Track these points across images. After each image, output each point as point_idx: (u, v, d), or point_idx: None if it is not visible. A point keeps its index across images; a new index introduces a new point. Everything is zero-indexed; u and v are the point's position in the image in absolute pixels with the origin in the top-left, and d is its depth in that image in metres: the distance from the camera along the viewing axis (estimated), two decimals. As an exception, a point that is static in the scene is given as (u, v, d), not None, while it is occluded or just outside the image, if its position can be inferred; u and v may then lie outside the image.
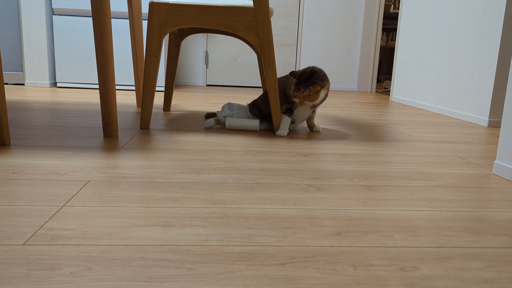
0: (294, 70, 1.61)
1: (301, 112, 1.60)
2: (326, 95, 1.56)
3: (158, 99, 2.61)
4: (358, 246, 0.65)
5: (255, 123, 1.63)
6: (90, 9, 2.74)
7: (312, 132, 1.67)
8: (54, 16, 2.98)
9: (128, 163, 1.07)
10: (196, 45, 4.01)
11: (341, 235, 0.69)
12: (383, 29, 5.57)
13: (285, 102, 1.59)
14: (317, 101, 1.54)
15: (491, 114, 2.06)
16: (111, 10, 2.81)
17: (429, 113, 2.52)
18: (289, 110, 1.59)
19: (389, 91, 4.41)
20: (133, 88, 3.13)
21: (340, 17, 4.07)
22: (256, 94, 3.34)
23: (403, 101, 3.05)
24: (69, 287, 0.50)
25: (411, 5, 2.96)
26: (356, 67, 4.17)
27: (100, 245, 0.62)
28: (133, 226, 0.69)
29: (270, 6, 1.54)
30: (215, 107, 2.33)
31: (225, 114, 1.68)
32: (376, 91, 4.29)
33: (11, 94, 2.54)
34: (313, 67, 1.56)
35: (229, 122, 1.64)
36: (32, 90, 2.82)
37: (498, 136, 1.71)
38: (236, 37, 2.18)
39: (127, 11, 2.77)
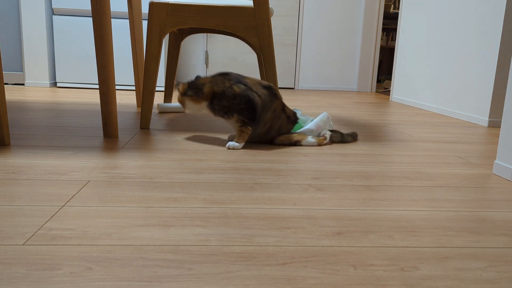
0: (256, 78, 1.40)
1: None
2: (215, 106, 1.32)
3: (158, 99, 2.61)
4: (358, 246, 0.65)
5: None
6: (90, 9, 2.74)
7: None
8: (54, 16, 2.98)
9: (128, 163, 1.07)
10: (196, 45, 4.01)
11: (341, 235, 0.69)
12: (383, 29, 5.57)
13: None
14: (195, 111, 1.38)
15: (491, 114, 2.06)
16: (111, 10, 2.81)
17: (429, 113, 2.52)
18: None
19: (389, 91, 4.41)
20: (133, 88, 3.13)
21: (340, 17, 4.07)
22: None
23: (403, 101, 3.05)
24: (69, 287, 0.50)
25: (411, 5, 2.97)
26: (356, 67, 4.17)
27: (100, 245, 0.62)
28: (133, 226, 0.69)
29: (270, 6, 1.54)
30: (215, 107, 2.33)
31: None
32: (376, 91, 4.29)
33: (11, 94, 2.54)
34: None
35: (161, 107, 1.98)
36: (32, 90, 2.82)
37: (498, 136, 1.71)
38: (236, 37, 2.18)
39: (127, 11, 2.77)
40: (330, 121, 1.50)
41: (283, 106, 1.36)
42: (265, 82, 1.35)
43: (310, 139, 1.39)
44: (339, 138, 1.46)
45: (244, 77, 1.36)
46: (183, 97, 1.39)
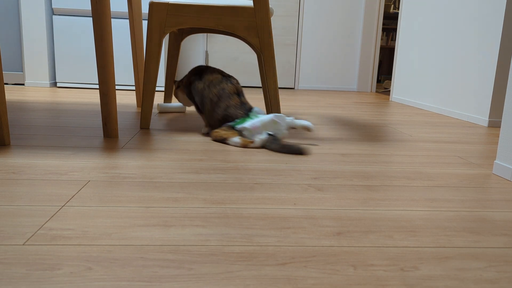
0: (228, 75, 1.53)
1: None
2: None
3: (158, 99, 2.61)
4: (358, 246, 0.65)
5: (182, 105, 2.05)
6: (90, 9, 2.74)
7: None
8: (54, 16, 2.98)
9: (128, 163, 1.07)
10: (196, 45, 4.01)
11: (341, 235, 0.69)
12: (383, 29, 5.57)
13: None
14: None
15: (491, 114, 2.06)
16: (111, 10, 2.81)
17: (429, 113, 2.52)
18: None
19: (389, 91, 4.41)
20: (133, 88, 3.13)
21: (340, 17, 4.07)
22: (256, 94, 3.34)
23: (403, 101, 3.05)
24: (69, 287, 0.50)
25: (411, 5, 2.96)
26: (356, 67, 4.17)
27: (100, 245, 0.62)
28: (133, 226, 0.69)
29: (270, 6, 1.54)
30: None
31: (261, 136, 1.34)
32: (376, 91, 4.29)
33: (11, 94, 2.54)
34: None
35: (161, 106, 2.01)
36: (32, 90, 2.82)
37: (498, 136, 1.71)
38: (236, 37, 2.18)
39: (127, 11, 2.77)
40: (279, 125, 1.36)
41: (239, 93, 1.45)
42: (225, 73, 1.51)
43: (236, 139, 1.33)
44: (268, 144, 1.31)
45: (208, 68, 1.53)
46: (176, 90, 1.63)
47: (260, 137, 1.33)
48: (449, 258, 0.62)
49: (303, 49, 4.09)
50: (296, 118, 1.97)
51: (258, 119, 1.36)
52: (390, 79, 5.47)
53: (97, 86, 3.12)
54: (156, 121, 1.76)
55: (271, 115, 1.36)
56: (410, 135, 1.68)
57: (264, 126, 1.34)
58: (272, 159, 1.19)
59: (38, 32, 2.99)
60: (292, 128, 1.43)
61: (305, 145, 1.38)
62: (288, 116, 1.56)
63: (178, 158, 1.15)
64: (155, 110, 2.09)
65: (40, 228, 0.66)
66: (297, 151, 1.28)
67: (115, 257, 0.58)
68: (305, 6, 4.02)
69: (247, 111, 1.41)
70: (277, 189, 0.91)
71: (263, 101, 2.82)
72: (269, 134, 1.33)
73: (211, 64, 4.05)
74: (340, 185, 0.97)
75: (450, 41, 2.43)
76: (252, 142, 1.33)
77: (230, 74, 4.10)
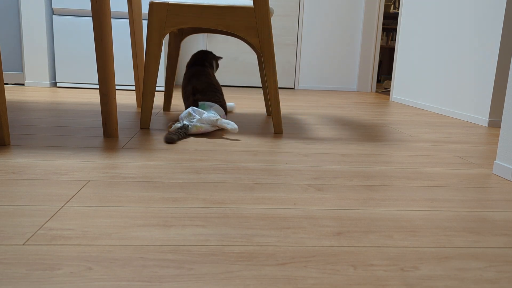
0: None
1: None
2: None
3: (158, 99, 2.61)
4: (358, 246, 0.65)
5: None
6: (90, 9, 2.74)
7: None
8: (54, 16, 2.98)
9: (128, 163, 1.07)
10: (196, 45, 4.01)
11: (341, 235, 0.69)
12: (383, 29, 5.57)
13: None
14: None
15: (491, 114, 2.06)
16: (111, 10, 2.81)
17: (429, 113, 2.52)
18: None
19: (389, 91, 4.41)
20: (133, 88, 3.13)
21: (340, 17, 4.07)
22: (256, 94, 3.34)
23: (403, 101, 3.05)
24: (69, 287, 0.50)
25: (411, 5, 2.97)
26: (356, 67, 4.17)
27: (100, 245, 0.62)
28: (133, 226, 0.69)
29: (270, 6, 1.54)
30: (215, 107, 2.33)
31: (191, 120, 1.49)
32: (376, 91, 4.29)
33: (11, 94, 2.54)
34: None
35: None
36: (32, 90, 2.82)
37: (498, 136, 1.71)
38: (236, 37, 2.18)
39: (127, 11, 2.77)
40: (193, 117, 1.47)
41: (195, 92, 1.65)
42: (199, 71, 1.75)
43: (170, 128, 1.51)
44: (176, 131, 1.42)
45: (195, 62, 1.83)
46: None
47: (176, 125, 1.47)
48: (449, 258, 0.62)
49: (303, 49, 4.09)
50: (295, 118, 1.98)
51: (186, 111, 1.53)
52: (390, 79, 5.48)
53: (97, 86, 3.12)
54: (156, 121, 1.77)
55: (189, 108, 1.51)
56: (410, 135, 1.68)
57: (184, 116, 1.51)
58: (272, 159, 1.19)
59: (38, 32, 2.99)
60: (215, 126, 1.49)
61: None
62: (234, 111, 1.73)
63: (178, 158, 1.15)
64: (155, 110, 2.09)
65: (40, 228, 0.66)
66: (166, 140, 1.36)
67: (115, 257, 0.58)
68: (305, 6, 4.02)
69: (193, 105, 1.61)
70: (277, 189, 0.91)
71: (263, 101, 2.82)
72: (183, 124, 1.46)
73: (211, 64, 4.05)
74: (340, 185, 0.97)
75: (450, 41, 2.43)
76: (170, 127, 1.50)
77: (230, 74, 4.11)
